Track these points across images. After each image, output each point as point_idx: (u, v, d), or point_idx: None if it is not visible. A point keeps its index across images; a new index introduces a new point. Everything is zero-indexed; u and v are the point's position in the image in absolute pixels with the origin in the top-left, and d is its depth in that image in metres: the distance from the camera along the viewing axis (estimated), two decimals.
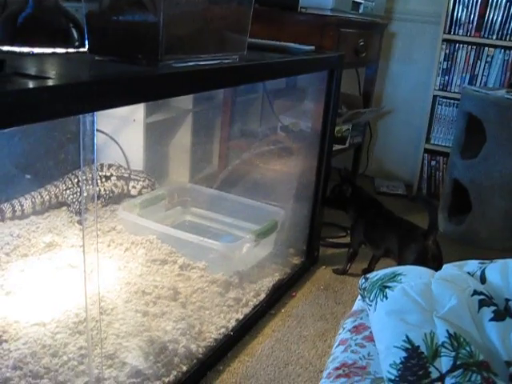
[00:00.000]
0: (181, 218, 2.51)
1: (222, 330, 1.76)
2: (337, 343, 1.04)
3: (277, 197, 2.47)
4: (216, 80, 1.40)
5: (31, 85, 0.91)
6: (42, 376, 1.43)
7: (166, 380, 1.50)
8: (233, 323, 1.81)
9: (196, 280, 1.97)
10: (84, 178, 1.14)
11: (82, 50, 1.43)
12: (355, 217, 2.24)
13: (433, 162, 3.29)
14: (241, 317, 1.85)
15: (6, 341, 1.54)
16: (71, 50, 1.44)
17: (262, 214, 2.34)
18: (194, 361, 1.62)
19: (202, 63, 1.34)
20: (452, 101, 3.19)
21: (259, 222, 2.24)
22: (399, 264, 2.03)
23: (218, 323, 1.78)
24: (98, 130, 2.60)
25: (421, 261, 1.95)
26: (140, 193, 2.49)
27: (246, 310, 1.89)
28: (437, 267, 1.92)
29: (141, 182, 2.48)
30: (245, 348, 1.78)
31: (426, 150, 3.28)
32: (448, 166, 2.99)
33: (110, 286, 1.86)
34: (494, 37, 3.01)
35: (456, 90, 3.15)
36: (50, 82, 0.95)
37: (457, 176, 2.79)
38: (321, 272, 2.32)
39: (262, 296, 1.99)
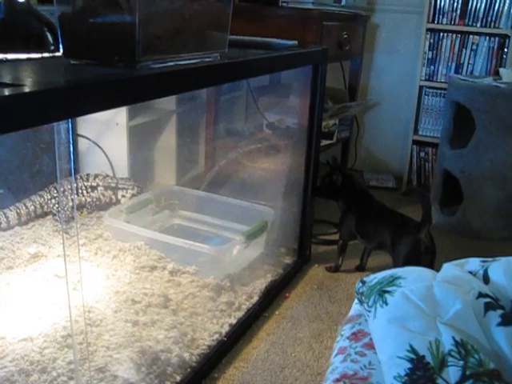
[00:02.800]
0: (169, 222, 2.46)
1: (216, 335, 1.72)
2: (335, 352, 0.99)
3: (266, 196, 2.43)
4: (197, 80, 1.35)
5: (6, 93, 0.86)
6: None
7: None
8: (226, 328, 1.76)
9: (187, 285, 1.92)
10: (62, 188, 1.09)
11: (57, 54, 1.38)
12: (345, 208, 2.20)
13: (422, 154, 3.26)
14: (234, 321, 1.80)
15: None
16: (46, 55, 1.39)
17: (251, 214, 2.30)
18: (188, 370, 1.57)
19: (181, 63, 1.30)
20: (439, 91, 3.15)
21: (249, 223, 2.20)
22: (392, 257, 2.00)
23: (211, 329, 1.74)
24: (80, 136, 2.55)
25: (414, 254, 1.93)
26: (131, 198, 2.44)
27: (239, 314, 1.84)
28: (430, 260, 1.92)
29: (130, 190, 2.43)
30: (240, 353, 1.74)
31: (415, 142, 3.25)
32: (437, 156, 2.96)
33: (98, 296, 1.81)
34: (479, 24, 2.98)
35: (442, 80, 3.12)
36: (26, 89, 0.90)
37: (447, 166, 2.76)
38: (314, 270, 2.28)
39: (255, 298, 1.95)
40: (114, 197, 2.44)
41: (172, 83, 1.24)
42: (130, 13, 1.14)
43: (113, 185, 2.43)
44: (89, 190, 2.40)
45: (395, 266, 1.98)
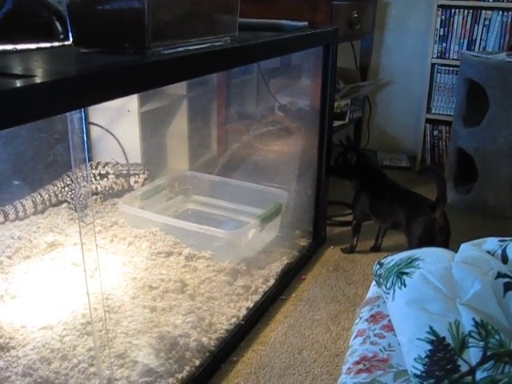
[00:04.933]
0: (183, 207, 2.46)
1: (233, 319, 1.72)
2: (354, 334, 0.99)
3: (279, 178, 2.43)
4: (208, 64, 1.34)
5: (18, 84, 0.86)
6: (53, 381, 1.40)
7: (180, 376, 1.47)
8: (243, 312, 1.77)
9: (203, 270, 1.93)
10: (77, 176, 1.09)
11: (66, 43, 1.37)
12: (359, 187, 2.19)
13: (435, 132, 3.23)
14: (251, 305, 1.81)
15: (13, 347, 1.51)
16: (56, 44, 1.38)
17: (265, 198, 2.29)
18: (207, 354, 1.58)
19: (192, 48, 1.29)
20: (451, 68, 3.12)
21: (263, 206, 2.19)
22: (407, 237, 2.00)
23: (229, 313, 1.75)
24: (92, 124, 2.55)
25: (428, 233, 1.92)
26: (144, 183, 2.45)
27: (256, 298, 1.85)
28: (445, 239, 1.91)
29: (141, 175, 2.44)
30: (257, 336, 1.74)
31: (428, 120, 3.22)
32: (451, 134, 2.93)
33: (115, 283, 1.83)
34: None
35: (454, 57, 3.08)
36: (38, 80, 0.90)
37: (461, 144, 2.74)
38: (329, 252, 2.28)
39: (272, 281, 1.95)
40: (126, 184, 2.45)
41: (183, 69, 1.23)
42: None
43: (124, 172, 2.44)
44: (97, 177, 2.40)
45: (410, 246, 1.97)
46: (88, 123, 2.55)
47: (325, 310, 1.89)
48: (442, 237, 1.91)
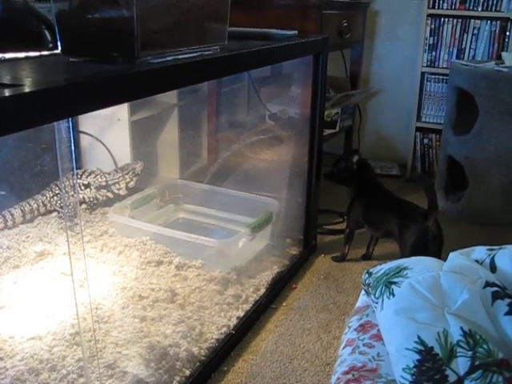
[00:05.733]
0: (173, 216, 2.46)
1: (224, 329, 1.71)
2: (343, 344, 0.99)
3: (270, 187, 2.43)
4: (197, 73, 1.34)
5: (6, 93, 0.85)
6: None
7: None
8: (234, 321, 1.76)
9: (193, 279, 1.92)
10: (64, 185, 1.09)
11: (56, 52, 1.37)
12: (354, 195, 2.19)
13: (425, 140, 3.24)
14: (242, 314, 1.80)
15: (1, 358, 1.49)
16: (45, 53, 1.38)
17: (255, 206, 2.29)
18: (197, 364, 1.57)
19: (181, 57, 1.29)
20: (441, 77, 3.13)
21: (254, 215, 2.19)
22: (400, 246, 2.00)
23: (219, 322, 1.74)
24: (82, 132, 2.55)
25: (421, 242, 1.92)
26: (128, 187, 2.43)
27: (247, 307, 1.84)
28: (438, 248, 1.91)
29: (122, 182, 2.42)
30: (248, 346, 1.73)
31: (418, 129, 3.23)
32: (441, 143, 2.94)
33: (105, 293, 1.82)
34: (480, 8, 2.95)
35: (444, 66, 3.10)
36: (26, 89, 0.89)
37: (451, 153, 2.75)
38: (320, 261, 2.28)
39: (262, 291, 1.95)
40: (110, 193, 2.43)
41: (172, 78, 1.23)
42: (128, 8, 1.13)
43: (103, 183, 2.42)
44: (82, 187, 2.39)
45: (403, 254, 1.97)
46: (78, 132, 2.54)
47: (315, 318, 1.88)
48: (435, 245, 1.91)
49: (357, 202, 2.17)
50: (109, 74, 1.06)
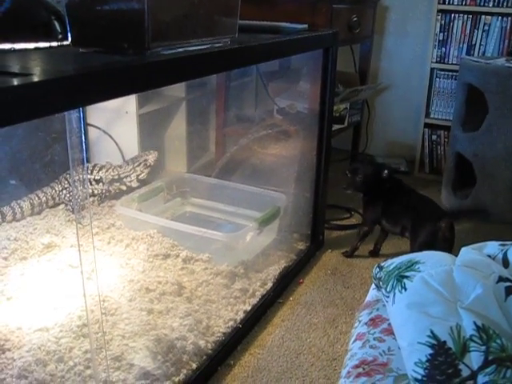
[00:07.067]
0: (181, 210, 2.45)
1: (230, 322, 1.71)
2: (353, 338, 0.98)
3: (278, 182, 2.42)
4: (207, 65, 1.33)
5: (15, 82, 0.85)
6: (49, 383, 1.39)
7: (176, 379, 1.46)
8: (241, 315, 1.76)
9: (200, 273, 1.92)
10: (73, 179, 1.09)
11: (65, 43, 1.37)
12: (371, 196, 2.16)
13: (434, 137, 3.22)
14: (248, 308, 1.80)
15: (9, 349, 1.50)
16: (54, 44, 1.37)
17: (263, 201, 2.29)
18: (204, 357, 1.57)
19: (191, 49, 1.28)
20: (450, 73, 3.11)
21: (261, 209, 2.19)
22: (410, 242, 1.99)
23: (226, 316, 1.74)
24: (90, 125, 2.55)
25: (430, 241, 1.92)
26: (138, 180, 2.43)
27: (254, 301, 1.84)
28: (446, 249, 1.89)
29: (133, 174, 2.42)
30: (255, 340, 1.73)
31: (426, 125, 3.21)
32: (450, 139, 2.93)
33: (112, 285, 1.82)
34: (491, 4, 2.92)
35: (454, 62, 3.08)
36: (35, 79, 0.89)
37: (459, 149, 2.73)
38: (327, 256, 2.27)
39: (269, 285, 1.94)
40: (123, 186, 2.43)
41: (182, 69, 1.23)
42: None
43: (116, 177, 2.42)
44: (93, 182, 2.39)
45: (412, 250, 1.97)
46: (86, 124, 2.54)
47: (322, 313, 1.88)
48: (445, 247, 1.89)
49: (376, 201, 2.14)
50: (119, 64, 1.05)
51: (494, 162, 2.61)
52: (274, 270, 2.02)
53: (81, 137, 1.01)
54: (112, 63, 1.07)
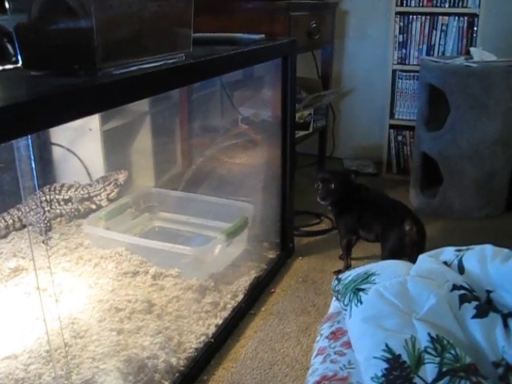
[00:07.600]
0: (149, 225, 2.43)
1: (202, 337, 1.70)
2: (315, 353, 0.98)
3: (245, 191, 2.41)
4: (162, 82, 1.32)
5: None
6: None
7: None
8: (212, 329, 1.75)
9: (170, 288, 1.90)
10: (27, 207, 1.07)
11: (19, 65, 1.34)
12: (342, 207, 2.12)
13: (399, 137, 3.25)
14: (220, 321, 1.79)
15: None
16: (8, 67, 1.35)
17: (231, 211, 2.28)
18: (177, 374, 1.55)
19: (145, 66, 1.27)
20: (412, 73, 3.14)
21: (229, 220, 2.18)
22: (381, 248, 2.00)
23: (198, 331, 1.72)
24: (54, 144, 2.51)
25: (398, 246, 1.92)
26: (108, 199, 2.40)
27: (225, 314, 1.83)
28: (415, 253, 1.88)
29: (103, 193, 2.39)
30: (228, 353, 1.72)
31: (392, 126, 3.24)
32: (415, 139, 2.96)
33: (82, 306, 1.79)
34: (447, 4, 2.97)
35: (415, 63, 3.11)
36: None
37: (425, 149, 2.76)
38: (298, 263, 2.27)
39: (240, 297, 1.93)
40: (93, 205, 2.40)
41: (136, 88, 1.21)
42: (86, 18, 1.11)
43: (85, 196, 2.39)
44: (61, 203, 2.36)
45: (382, 256, 1.97)
46: (50, 143, 2.51)
47: (295, 322, 1.88)
48: (413, 250, 1.90)
49: (346, 212, 2.11)
50: (68, 87, 1.03)
51: (458, 160, 2.64)
52: (244, 281, 2.01)
53: (31, 164, 1.00)
54: (62, 86, 1.05)
